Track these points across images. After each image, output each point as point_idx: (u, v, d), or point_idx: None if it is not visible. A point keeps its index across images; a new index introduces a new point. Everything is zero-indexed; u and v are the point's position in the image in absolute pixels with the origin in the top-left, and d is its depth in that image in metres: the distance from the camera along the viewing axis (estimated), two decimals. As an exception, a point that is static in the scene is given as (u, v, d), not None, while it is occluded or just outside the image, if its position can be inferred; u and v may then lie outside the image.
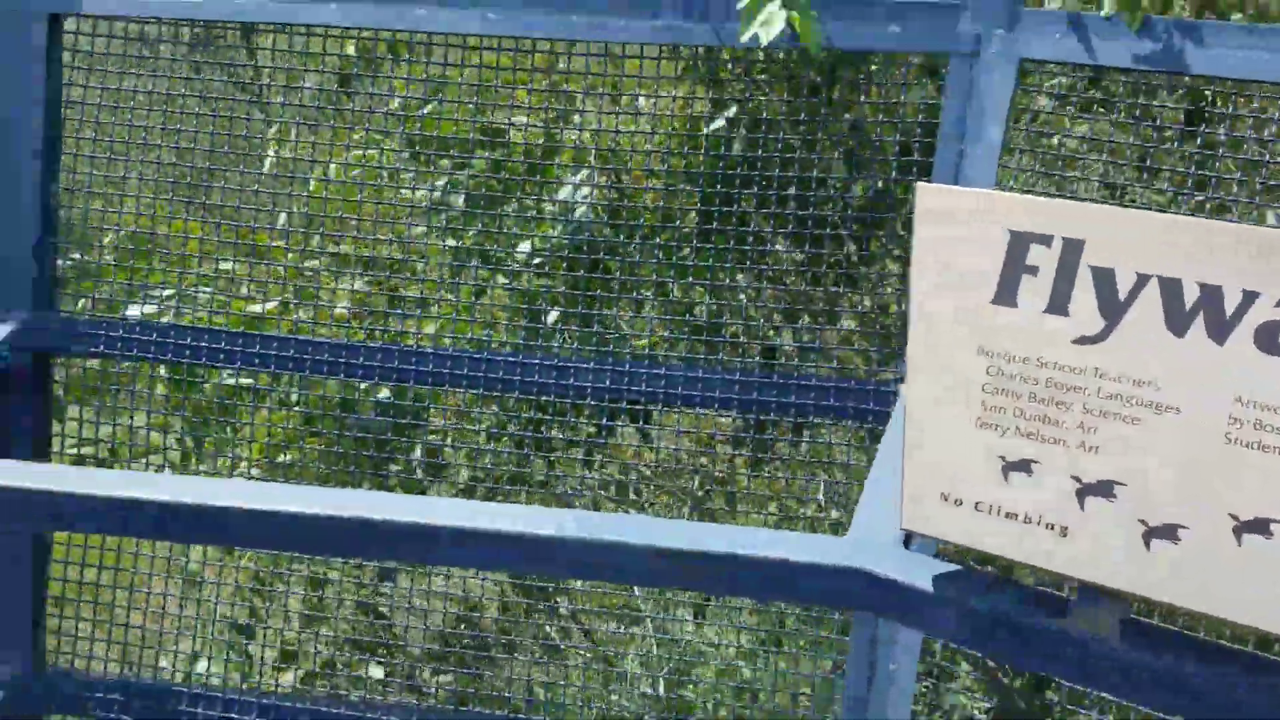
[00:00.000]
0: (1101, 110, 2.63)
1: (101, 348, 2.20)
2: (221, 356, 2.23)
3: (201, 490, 1.71)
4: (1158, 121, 2.25)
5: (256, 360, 2.25)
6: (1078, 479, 1.19)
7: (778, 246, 2.77)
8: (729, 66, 3.26)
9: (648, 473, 2.77)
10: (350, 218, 2.49)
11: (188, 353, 2.22)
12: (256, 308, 2.56)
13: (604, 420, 2.71)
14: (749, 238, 2.51)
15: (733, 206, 2.49)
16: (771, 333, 2.84)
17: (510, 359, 2.25)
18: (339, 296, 2.64)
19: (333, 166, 2.75)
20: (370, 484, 2.50)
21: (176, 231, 2.38)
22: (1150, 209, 2.31)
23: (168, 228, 2.34)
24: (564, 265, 2.49)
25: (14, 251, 2.18)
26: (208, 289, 2.33)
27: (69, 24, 2.26)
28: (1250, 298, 1.09)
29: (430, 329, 2.40)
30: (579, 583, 3.22)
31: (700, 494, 2.88)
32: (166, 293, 2.37)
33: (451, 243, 2.72)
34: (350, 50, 2.59)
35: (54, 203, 2.22)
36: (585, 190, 2.62)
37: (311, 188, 2.69)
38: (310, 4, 2.19)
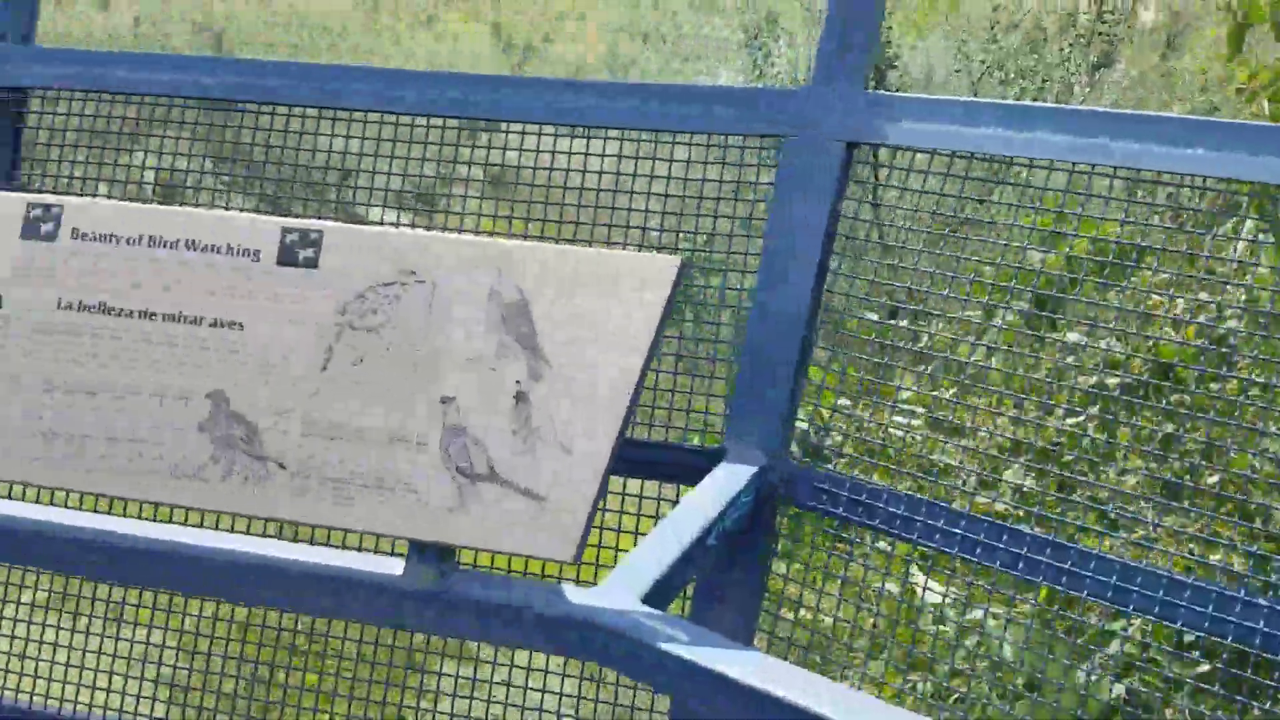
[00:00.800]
0: None
1: (842, 510, 1.96)
2: (978, 550, 1.87)
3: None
4: None
5: (996, 556, 1.87)
6: None
7: None
8: None
9: None
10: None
11: (938, 536, 1.89)
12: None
13: None
14: None
15: None
16: None
17: None
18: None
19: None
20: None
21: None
22: None
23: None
24: None
25: (771, 375, 2.03)
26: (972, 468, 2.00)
27: (860, 153, 2.11)
28: None
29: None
30: None
31: None
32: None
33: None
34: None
35: (814, 338, 2.06)
36: None
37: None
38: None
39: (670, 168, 2.21)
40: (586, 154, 2.26)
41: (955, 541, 1.88)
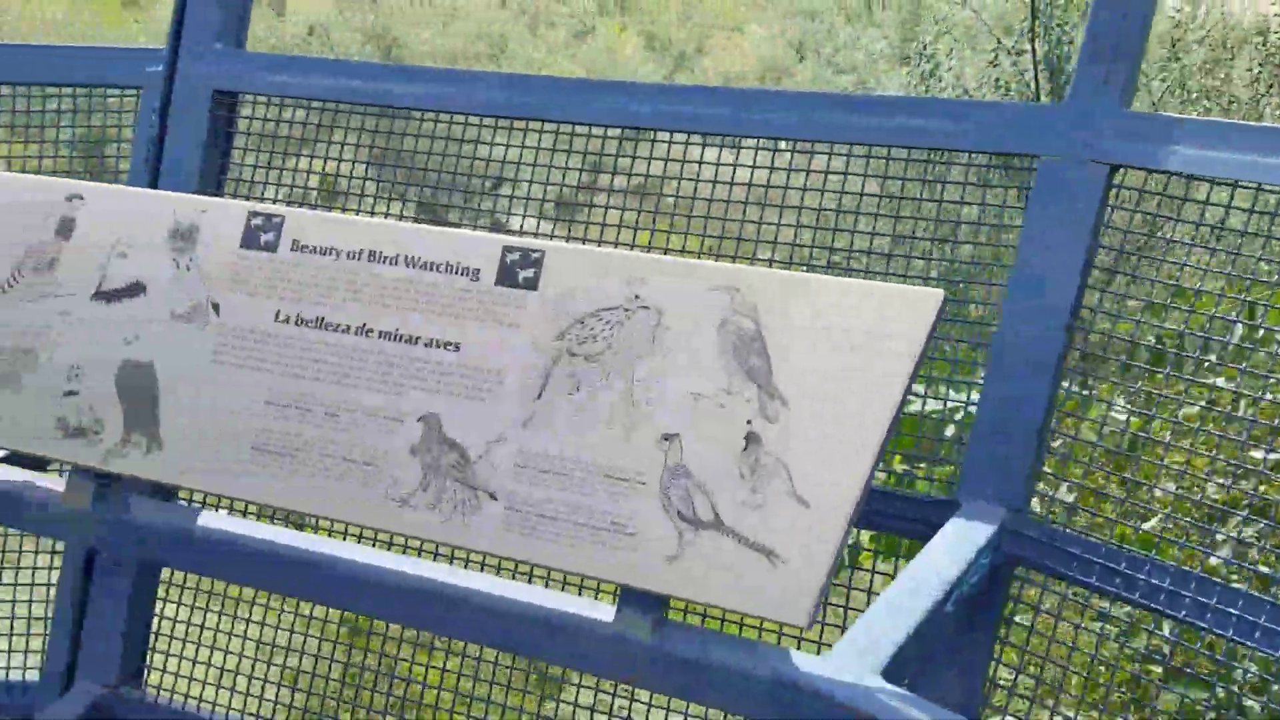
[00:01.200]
0: None
1: (1095, 579, 1.74)
2: (1257, 635, 1.62)
3: None
4: None
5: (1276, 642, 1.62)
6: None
7: None
8: None
9: None
10: None
11: (1210, 616, 1.65)
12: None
13: None
14: None
15: None
16: None
17: None
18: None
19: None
20: None
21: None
22: None
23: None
24: None
25: (1015, 420, 1.83)
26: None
27: (1120, 176, 1.89)
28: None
29: None
30: None
31: None
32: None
33: None
34: None
35: (1063, 381, 1.84)
36: None
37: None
38: None
39: (861, 183, 2.03)
40: (753, 166, 2.12)
41: (1229, 623, 1.64)
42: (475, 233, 1.68)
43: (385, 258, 1.66)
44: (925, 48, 10.56)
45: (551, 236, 2.35)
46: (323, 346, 1.66)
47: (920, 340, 1.42)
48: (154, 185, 2.38)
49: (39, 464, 1.92)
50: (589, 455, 1.54)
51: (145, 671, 2.35)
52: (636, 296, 1.56)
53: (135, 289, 1.72)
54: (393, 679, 2.37)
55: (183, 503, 2.27)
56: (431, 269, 1.64)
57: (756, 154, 2.25)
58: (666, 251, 2.23)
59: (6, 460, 1.88)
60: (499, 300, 1.61)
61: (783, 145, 2.15)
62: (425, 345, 1.63)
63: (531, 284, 1.61)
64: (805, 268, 2.17)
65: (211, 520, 1.76)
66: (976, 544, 1.73)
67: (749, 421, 1.48)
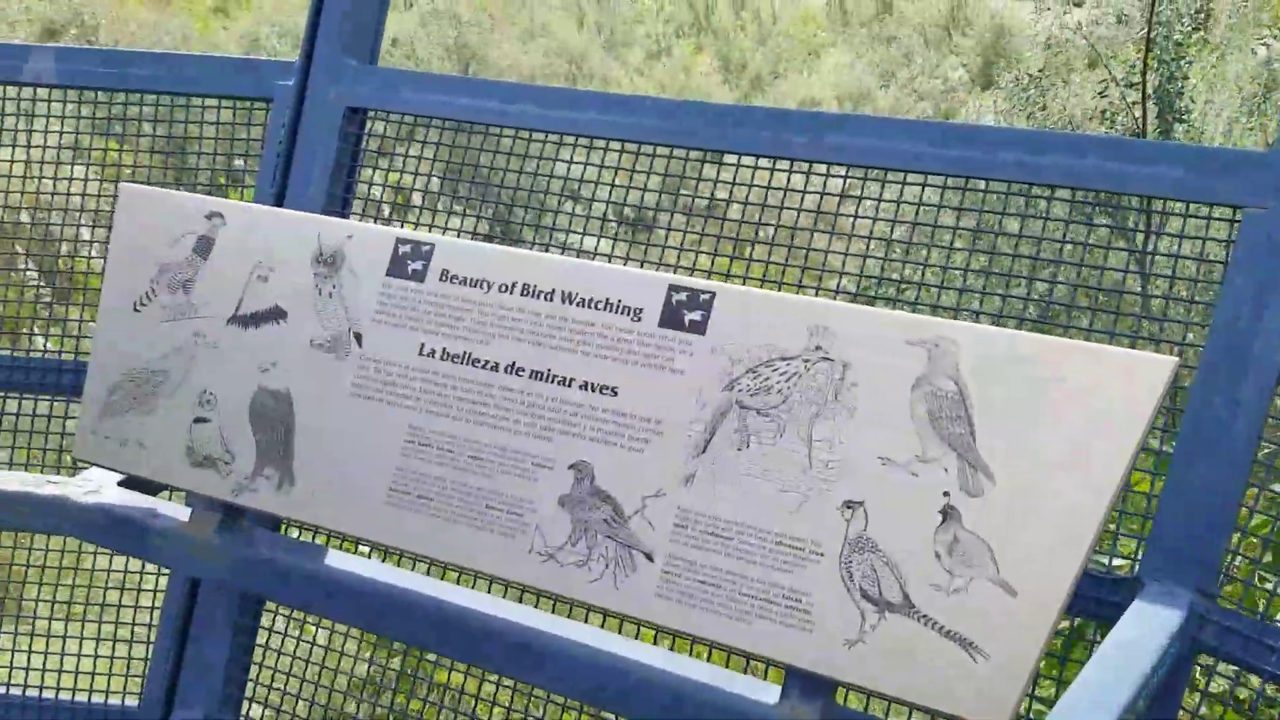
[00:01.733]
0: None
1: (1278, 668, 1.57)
2: None
3: None
4: None
5: None
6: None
7: None
8: None
9: None
10: None
11: None
12: None
13: None
14: None
15: None
16: None
17: None
18: None
19: None
20: None
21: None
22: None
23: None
24: None
25: (1209, 491, 1.66)
26: None
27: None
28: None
29: None
30: None
31: None
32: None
33: None
34: None
35: (1259, 450, 1.68)
36: None
37: None
38: None
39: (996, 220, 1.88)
40: (885, 200, 1.96)
41: None
42: (639, 270, 1.56)
43: (540, 292, 1.55)
44: (1040, 72, 10.17)
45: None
46: (469, 384, 1.55)
47: (1149, 412, 1.27)
48: (279, 203, 2.30)
49: (153, 486, 1.84)
50: (759, 519, 1.41)
51: (245, 704, 2.26)
52: (818, 347, 1.43)
53: (275, 314, 1.62)
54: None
55: (293, 534, 2.18)
56: (589, 306, 1.53)
57: (883, 186, 2.11)
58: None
59: (124, 484, 1.80)
60: (662, 343, 1.49)
61: (913, 178, 2.00)
62: (580, 388, 1.51)
63: (699, 327, 1.48)
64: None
65: (340, 561, 1.66)
66: (1166, 632, 1.57)
67: (946, 494, 1.33)
